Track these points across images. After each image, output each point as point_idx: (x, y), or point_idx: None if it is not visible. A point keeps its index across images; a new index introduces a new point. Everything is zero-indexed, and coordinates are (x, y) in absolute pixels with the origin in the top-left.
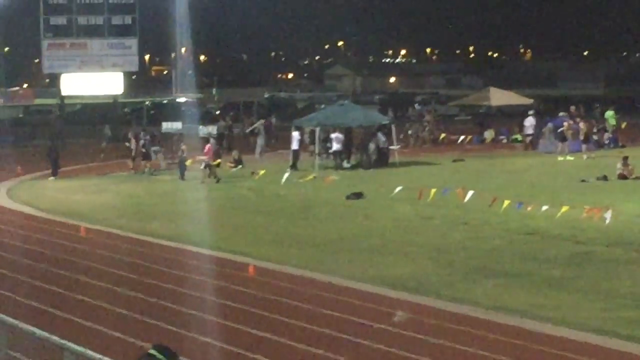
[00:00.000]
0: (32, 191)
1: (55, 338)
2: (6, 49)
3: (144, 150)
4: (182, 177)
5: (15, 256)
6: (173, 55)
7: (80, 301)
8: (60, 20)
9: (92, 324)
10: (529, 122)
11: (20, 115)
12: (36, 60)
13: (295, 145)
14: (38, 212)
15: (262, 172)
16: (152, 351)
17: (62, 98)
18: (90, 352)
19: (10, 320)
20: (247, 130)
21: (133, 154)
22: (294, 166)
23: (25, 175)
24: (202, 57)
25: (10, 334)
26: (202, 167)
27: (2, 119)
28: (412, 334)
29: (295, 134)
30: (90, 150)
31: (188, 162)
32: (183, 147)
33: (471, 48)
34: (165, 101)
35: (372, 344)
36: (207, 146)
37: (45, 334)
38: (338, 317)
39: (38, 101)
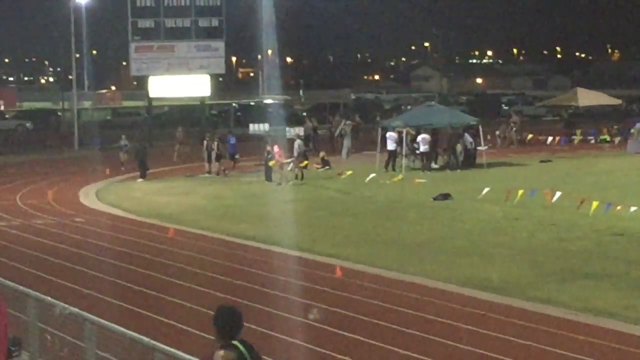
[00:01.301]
0: (121, 193)
1: (145, 339)
2: (94, 51)
3: (224, 152)
4: (269, 179)
5: (105, 258)
6: (259, 57)
7: (169, 302)
8: (148, 23)
9: (181, 325)
10: None
11: (109, 118)
12: (124, 63)
13: (391, 146)
14: (126, 214)
15: (348, 173)
16: (234, 342)
17: (150, 100)
18: (180, 354)
19: (100, 321)
20: (336, 134)
21: (206, 156)
22: (392, 166)
23: (114, 177)
24: (288, 59)
25: (100, 335)
26: (288, 168)
27: (90, 122)
28: (500, 336)
29: (392, 135)
30: (176, 153)
31: (271, 164)
32: (269, 148)
33: (558, 48)
34: (252, 103)
35: (460, 345)
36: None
37: (136, 335)
38: (426, 319)
39: (126, 103)
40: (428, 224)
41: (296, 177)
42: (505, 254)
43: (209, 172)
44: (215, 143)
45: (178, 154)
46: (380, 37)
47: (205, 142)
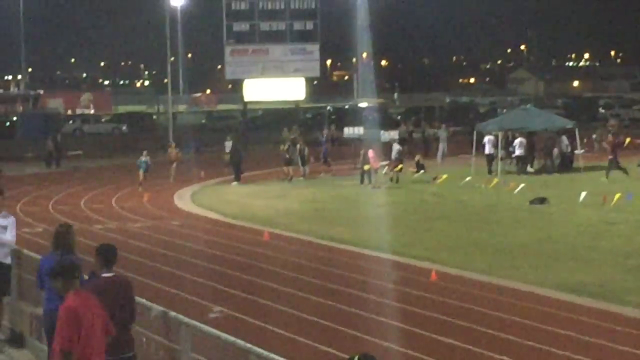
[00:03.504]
0: (215, 196)
1: (240, 342)
2: (189, 55)
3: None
4: (368, 182)
5: (200, 261)
6: (354, 60)
7: (264, 306)
8: (243, 26)
9: (276, 329)
10: None
11: (203, 121)
12: (218, 66)
13: (488, 150)
14: (221, 217)
15: (444, 176)
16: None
17: (245, 104)
18: (275, 357)
19: (195, 323)
20: (431, 133)
21: (299, 160)
22: (489, 170)
23: (209, 180)
24: (383, 62)
25: (196, 337)
26: (383, 172)
27: (185, 125)
28: (597, 341)
29: (490, 138)
30: (271, 155)
31: (366, 168)
32: (363, 152)
33: None
34: (346, 106)
35: (557, 350)
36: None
37: (231, 338)
38: (520, 323)
39: (221, 107)
40: (524, 228)
41: (391, 180)
42: (602, 258)
43: (303, 176)
44: (287, 146)
45: (174, 174)
46: (476, 40)
47: (297, 145)
